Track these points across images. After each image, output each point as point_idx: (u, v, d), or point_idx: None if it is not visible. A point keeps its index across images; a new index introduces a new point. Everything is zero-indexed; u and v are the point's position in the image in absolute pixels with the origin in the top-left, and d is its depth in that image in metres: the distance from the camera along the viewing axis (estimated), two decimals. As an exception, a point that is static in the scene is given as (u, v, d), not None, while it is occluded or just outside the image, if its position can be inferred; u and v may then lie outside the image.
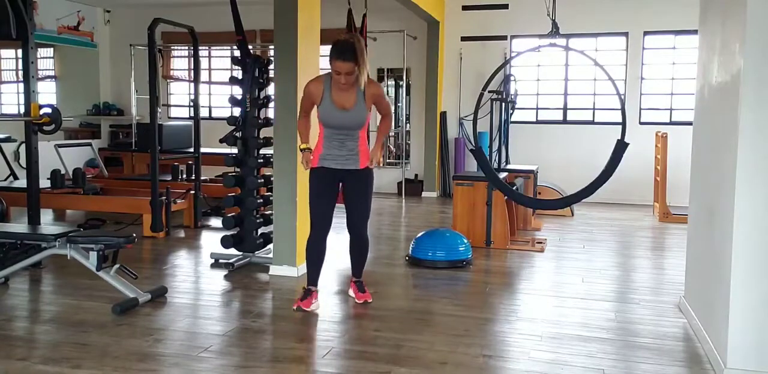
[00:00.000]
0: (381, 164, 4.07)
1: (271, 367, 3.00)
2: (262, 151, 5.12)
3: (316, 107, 3.72)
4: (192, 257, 5.38)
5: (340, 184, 3.83)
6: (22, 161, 6.87)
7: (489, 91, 6.06)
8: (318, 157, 3.75)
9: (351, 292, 4.10)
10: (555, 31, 4.90)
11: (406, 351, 3.20)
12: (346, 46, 3.49)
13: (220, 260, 4.95)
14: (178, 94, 10.72)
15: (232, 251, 4.98)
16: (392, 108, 3.99)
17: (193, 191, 6.61)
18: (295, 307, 3.82)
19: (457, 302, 4.14)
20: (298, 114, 3.98)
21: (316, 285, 3.90)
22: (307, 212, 3.92)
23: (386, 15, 8.61)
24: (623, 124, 4.66)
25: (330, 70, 3.61)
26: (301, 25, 4.49)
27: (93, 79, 10.47)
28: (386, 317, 3.73)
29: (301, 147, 3.78)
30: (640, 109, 8.58)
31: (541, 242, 5.85)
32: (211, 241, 5.80)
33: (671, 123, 8.40)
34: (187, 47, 9.91)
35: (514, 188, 5.71)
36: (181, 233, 6.25)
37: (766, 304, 2.78)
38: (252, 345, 3.29)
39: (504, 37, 8.96)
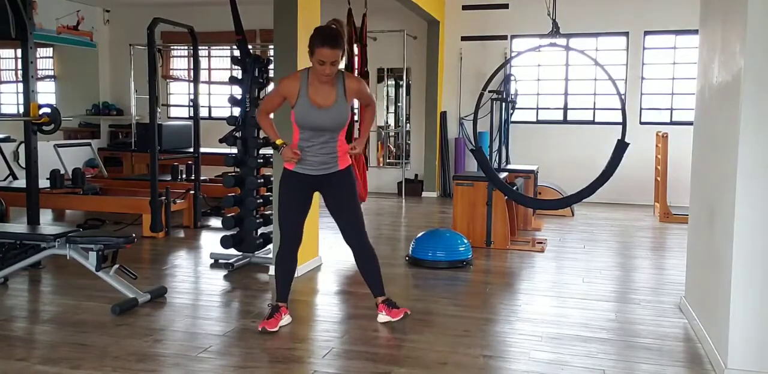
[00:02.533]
0: (361, 153, 3.91)
1: (270, 367, 3.00)
2: (262, 151, 5.11)
3: (291, 107, 3.36)
4: (192, 258, 5.37)
5: (318, 192, 3.57)
6: (22, 161, 6.86)
7: (489, 91, 6.06)
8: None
9: (382, 316, 3.58)
10: (555, 31, 4.89)
11: (406, 352, 3.19)
12: (332, 32, 3.24)
13: (220, 261, 4.95)
14: (178, 94, 10.72)
15: (232, 251, 4.97)
16: (375, 99, 3.75)
17: (192, 191, 6.60)
18: (260, 328, 3.42)
19: (458, 302, 4.13)
20: (258, 110, 3.57)
21: (285, 300, 3.58)
22: None
23: (386, 15, 8.60)
24: (623, 124, 4.66)
25: (305, 67, 3.38)
26: (301, 25, 4.48)
27: (92, 79, 10.46)
28: (386, 317, 3.71)
29: (278, 142, 3.40)
30: (641, 109, 8.57)
31: (541, 243, 5.85)
32: (210, 241, 5.79)
33: (672, 123, 8.40)
34: (186, 47, 9.92)
35: (515, 188, 5.71)
36: (181, 234, 6.24)
37: (767, 304, 2.78)
38: (252, 345, 3.28)
39: (504, 37, 8.95)
